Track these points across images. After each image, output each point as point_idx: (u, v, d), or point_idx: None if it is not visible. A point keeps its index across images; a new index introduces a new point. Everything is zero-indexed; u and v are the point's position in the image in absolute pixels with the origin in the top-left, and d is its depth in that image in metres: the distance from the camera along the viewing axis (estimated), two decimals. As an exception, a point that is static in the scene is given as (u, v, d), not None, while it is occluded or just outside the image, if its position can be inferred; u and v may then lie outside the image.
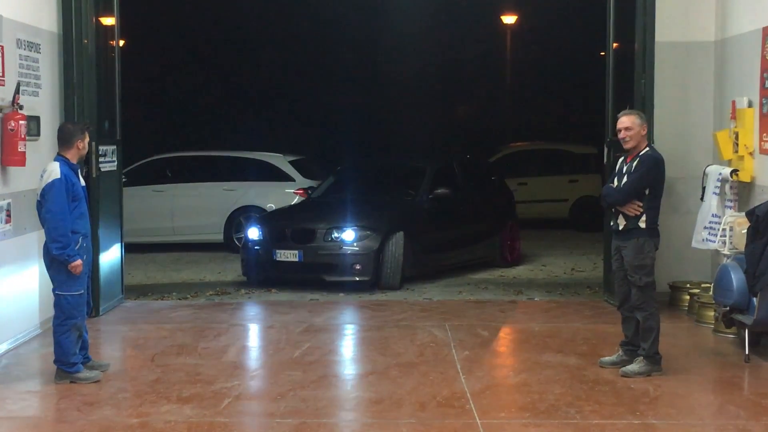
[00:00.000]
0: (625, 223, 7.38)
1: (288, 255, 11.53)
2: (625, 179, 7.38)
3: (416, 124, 26.58)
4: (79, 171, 7.42)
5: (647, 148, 7.41)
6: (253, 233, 12.06)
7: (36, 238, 8.41)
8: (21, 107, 8.21)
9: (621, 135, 7.43)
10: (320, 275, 11.40)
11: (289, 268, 11.58)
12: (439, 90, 29.04)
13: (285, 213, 13.18)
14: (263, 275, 11.77)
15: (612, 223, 7.57)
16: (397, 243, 11.47)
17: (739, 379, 7.49)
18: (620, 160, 7.65)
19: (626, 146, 7.44)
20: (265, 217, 12.90)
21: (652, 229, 7.35)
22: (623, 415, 6.46)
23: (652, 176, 7.32)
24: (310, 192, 13.83)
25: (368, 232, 11.48)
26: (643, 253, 7.32)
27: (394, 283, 11.42)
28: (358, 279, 11.33)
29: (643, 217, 7.28)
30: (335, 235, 11.49)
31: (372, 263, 11.31)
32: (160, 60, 27.53)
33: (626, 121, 7.40)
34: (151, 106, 26.85)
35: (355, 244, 11.42)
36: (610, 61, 10.35)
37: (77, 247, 7.18)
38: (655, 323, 7.38)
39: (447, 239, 12.64)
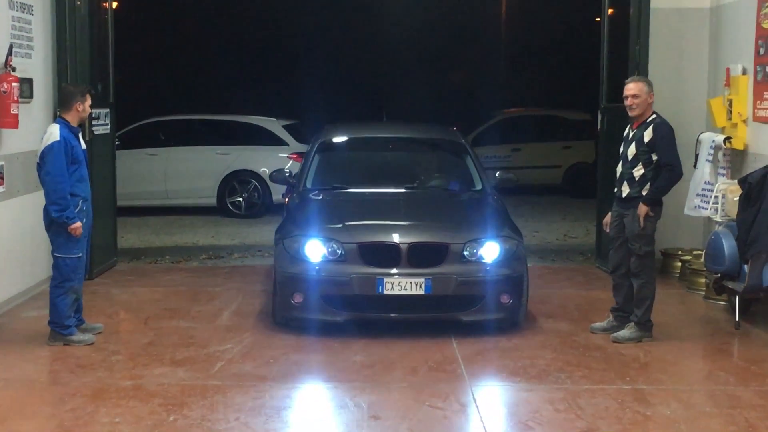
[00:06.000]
0: (629, 190, 7.37)
1: (407, 285, 7.40)
2: (632, 145, 7.31)
3: (410, 88, 26.45)
4: (79, 134, 7.42)
5: (654, 116, 7.34)
6: (316, 249, 7.59)
7: (30, 200, 8.41)
8: (14, 69, 8.17)
9: (627, 102, 7.34)
10: (455, 314, 7.59)
11: (406, 305, 7.52)
12: (434, 54, 28.89)
13: (358, 219, 8.14)
14: (345, 318, 7.60)
15: (616, 190, 7.54)
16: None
17: (728, 345, 7.54)
18: (627, 126, 7.57)
19: (632, 113, 7.36)
20: (322, 225, 7.82)
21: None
22: (613, 381, 6.51)
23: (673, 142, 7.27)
24: (288, 175, 9.34)
25: (515, 246, 7.77)
26: (645, 222, 7.29)
27: (524, 314, 8.01)
28: (504, 316, 7.75)
29: (647, 185, 7.26)
30: (472, 251, 7.63)
31: (521, 292, 7.78)
32: (154, 21, 27.32)
33: (633, 88, 7.33)
34: (145, 69, 26.68)
35: (502, 264, 7.61)
36: (605, 27, 10.34)
37: (77, 210, 7.18)
38: (650, 292, 7.41)
39: None
